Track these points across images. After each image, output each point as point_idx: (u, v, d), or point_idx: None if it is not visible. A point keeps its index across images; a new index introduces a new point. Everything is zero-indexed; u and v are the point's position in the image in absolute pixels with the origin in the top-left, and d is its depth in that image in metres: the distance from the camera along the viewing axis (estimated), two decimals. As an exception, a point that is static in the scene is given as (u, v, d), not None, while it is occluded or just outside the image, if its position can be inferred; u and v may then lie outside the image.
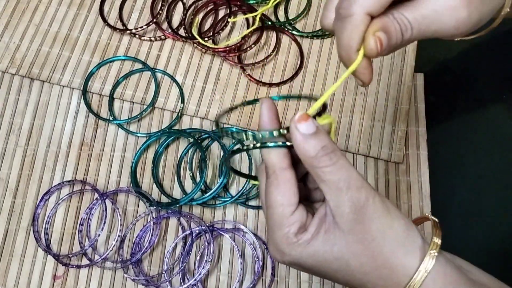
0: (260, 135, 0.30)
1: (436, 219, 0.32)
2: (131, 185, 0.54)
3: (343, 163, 0.29)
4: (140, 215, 0.54)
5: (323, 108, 0.31)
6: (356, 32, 0.29)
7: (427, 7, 0.30)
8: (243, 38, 0.60)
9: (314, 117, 0.30)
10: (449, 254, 0.31)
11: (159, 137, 0.56)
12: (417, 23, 0.30)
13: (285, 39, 0.62)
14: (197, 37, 0.58)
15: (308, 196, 0.35)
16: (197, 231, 0.53)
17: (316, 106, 0.30)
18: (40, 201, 0.53)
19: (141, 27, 0.60)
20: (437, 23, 0.30)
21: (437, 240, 0.30)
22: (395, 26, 0.30)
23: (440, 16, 0.30)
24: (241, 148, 0.32)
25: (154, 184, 0.55)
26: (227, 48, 0.59)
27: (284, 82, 0.59)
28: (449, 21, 0.30)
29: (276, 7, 0.64)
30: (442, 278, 0.29)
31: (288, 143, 0.30)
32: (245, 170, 0.56)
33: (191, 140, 0.55)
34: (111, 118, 0.57)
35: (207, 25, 0.62)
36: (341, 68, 0.60)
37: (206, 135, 0.57)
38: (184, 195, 0.54)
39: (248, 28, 0.61)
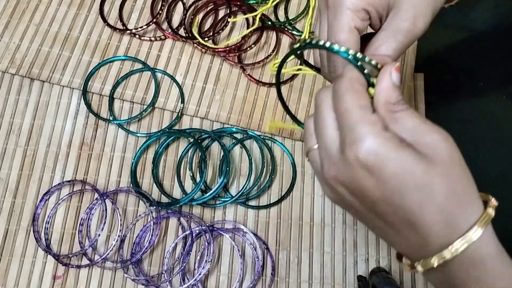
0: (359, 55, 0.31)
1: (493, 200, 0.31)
2: (131, 185, 0.54)
3: (412, 111, 0.29)
4: (140, 215, 0.54)
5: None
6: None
7: (389, 37, 0.33)
8: (243, 38, 0.60)
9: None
10: None
11: (159, 137, 0.56)
12: (391, 55, 0.33)
13: (285, 39, 0.62)
14: (198, 37, 0.58)
15: None
16: (197, 231, 0.53)
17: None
18: (40, 201, 0.53)
19: (141, 27, 0.60)
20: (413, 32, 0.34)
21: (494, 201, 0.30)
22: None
23: (404, 35, 0.33)
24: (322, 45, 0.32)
25: (154, 184, 0.55)
26: (227, 48, 0.59)
27: (284, 82, 0.59)
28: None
29: (276, 7, 0.64)
30: (494, 235, 0.29)
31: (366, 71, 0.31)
32: (245, 170, 0.56)
33: (191, 140, 0.55)
34: (111, 118, 0.57)
35: (207, 25, 0.62)
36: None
37: (206, 135, 0.57)
38: (184, 195, 0.54)
39: (248, 28, 0.61)
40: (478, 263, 0.27)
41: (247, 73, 0.59)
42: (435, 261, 0.27)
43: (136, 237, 0.53)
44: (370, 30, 0.36)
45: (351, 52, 0.31)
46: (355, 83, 0.30)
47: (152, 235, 0.52)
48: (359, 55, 0.31)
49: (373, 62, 0.31)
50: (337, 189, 0.30)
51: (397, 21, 0.33)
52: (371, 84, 0.30)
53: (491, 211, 0.29)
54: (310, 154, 0.33)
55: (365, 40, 0.34)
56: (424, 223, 0.27)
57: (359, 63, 0.30)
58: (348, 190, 0.29)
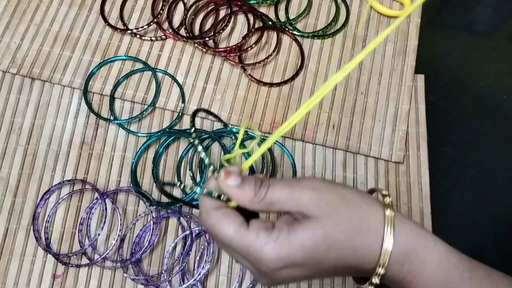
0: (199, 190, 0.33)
1: (385, 191, 0.35)
2: (131, 185, 0.55)
3: (272, 181, 0.32)
4: (140, 215, 0.54)
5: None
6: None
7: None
8: (243, 38, 0.60)
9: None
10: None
11: (160, 137, 0.56)
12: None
13: (285, 39, 0.62)
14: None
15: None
16: (197, 231, 0.52)
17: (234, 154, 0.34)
18: (40, 200, 0.53)
19: (142, 27, 0.60)
20: None
21: (385, 192, 0.33)
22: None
23: None
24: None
25: (154, 184, 0.55)
26: (228, 48, 0.59)
27: (285, 82, 0.59)
28: None
29: (276, 7, 0.64)
30: (407, 222, 0.32)
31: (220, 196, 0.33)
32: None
33: (192, 140, 0.55)
34: (111, 118, 0.57)
35: (208, 25, 0.62)
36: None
37: (206, 135, 0.57)
38: (184, 195, 0.54)
39: (249, 28, 0.62)
40: (404, 260, 0.32)
41: (248, 73, 0.59)
42: (376, 280, 0.32)
43: (136, 236, 0.53)
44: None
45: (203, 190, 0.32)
46: (219, 210, 0.32)
47: (152, 235, 0.52)
48: (205, 190, 0.32)
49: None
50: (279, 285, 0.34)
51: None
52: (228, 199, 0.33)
53: (389, 213, 0.32)
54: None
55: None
56: (350, 265, 0.32)
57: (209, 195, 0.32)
58: (288, 280, 0.33)
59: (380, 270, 0.31)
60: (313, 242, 0.30)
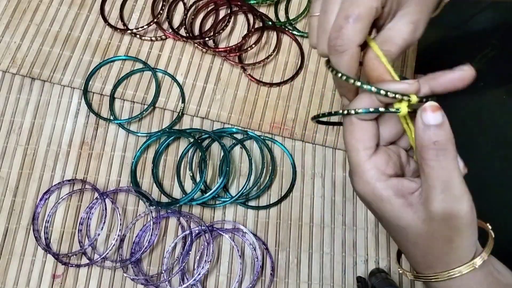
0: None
1: (492, 233, 0.35)
2: (131, 185, 0.55)
3: (447, 164, 0.30)
4: (140, 215, 0.54)
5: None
6: (354, 63, 0.32)
7: (399, 31, 0.34)
8: (243, 38, 0.60)
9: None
10: (492, 259, 0.34)
11: (160, 137, 0.56)
12: (399, 49, 0.34)
13: (285, 39, 0.62)
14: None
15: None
16: (196, 231, 0.53)
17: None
18: (40, 200, 0.53)
19: (142, 27, 0.60)
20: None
21: (486, 255, 0.33)
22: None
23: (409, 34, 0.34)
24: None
25: (154, 184, 0.55)
26: (228, 48, 0.59)
27: (285, 82, 0.59)
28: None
29: (276, 7, 0.64)
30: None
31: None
32: (245, 170, 0.56)
33: (191, 140, 0.55)
34: (111, 118, 0.57)
35: (208, 25, 0.62)
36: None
37: (206, 135, 0.57)
38: (184, 195, 0.54)
39: (249, 28, 0.62)
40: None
41: (247, 72, 0.59)
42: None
43: (136, 236, 0.53)
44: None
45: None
46: (364, 123, 0.32)
47: (151, 235, 0.52)
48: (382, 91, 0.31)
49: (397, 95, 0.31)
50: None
51: (404, 22, 0.33)
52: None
53: (491, 243, 0.33)
54: None
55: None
56: (412, 257, 0.33)
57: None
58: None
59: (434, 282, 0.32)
60: (415, 223, 0.32)
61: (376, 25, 0.35)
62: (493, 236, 0.33)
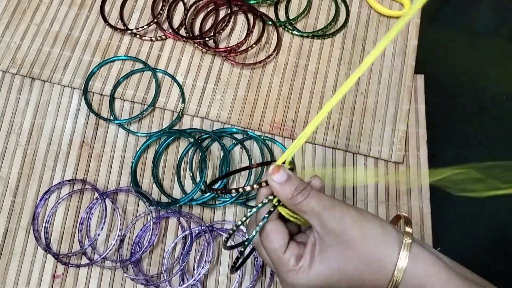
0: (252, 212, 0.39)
1: (406, 215, 0.39)
2: (131, 185, 0.55)
3: (313, 194, 0.36)
4: (140, 215, 0.54)
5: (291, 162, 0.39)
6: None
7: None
8: (244, 38, 0.60)
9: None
10: (424, 244, 0.37)
11: (160, 137, 0.56)
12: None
13: (285, 39, 0.62)
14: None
15: (299, 229, 0.42)
16: (196, 231, 0.52)
17: (282, 159, 0.38)
18: (40, 200, 0.53)
19: (142, 27, 0.60)
20: None
21: (409, 229, 0.36)
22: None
23: None
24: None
25: (154, 184, 0.55)
26: (228, 48, 0.59)
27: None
28: None
29: (276, 7, 0.64)
30: (422, 260, 0.34)
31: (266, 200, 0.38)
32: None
33: (191, 140, 0.55)
34: (111, 118, 0.57)
35: (208, 25, 0.63)
36: (341, 68, 0.60)
37: (206, 135, 0.57)
38: (184, 195, 0.54)
39: (249, 28, 0.62)
40: (414, 284, 0.34)
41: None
42: None
43: (136, 236, 0.53)
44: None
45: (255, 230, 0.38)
46: (268, 227, 0.37)
47: (151, 235, 0.52)
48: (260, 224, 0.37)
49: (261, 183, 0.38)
50: None
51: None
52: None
53: (408, 241, 0.34)
54: None
55: None
56: (366, 283, 0.35)
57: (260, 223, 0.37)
58: None
59: None
60: (328, 273, 0.35)
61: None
62: (408, 217, 0.38)
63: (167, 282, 0.51)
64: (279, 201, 0.37)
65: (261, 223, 0.37)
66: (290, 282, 0.36)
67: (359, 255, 0.35)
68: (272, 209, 0.37)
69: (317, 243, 0.36)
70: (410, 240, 0.35)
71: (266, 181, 0.38)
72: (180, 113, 0.58)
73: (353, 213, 0.36)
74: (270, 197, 0.38)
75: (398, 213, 0.41)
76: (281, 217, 0.39)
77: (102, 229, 0.52)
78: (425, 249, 0.35)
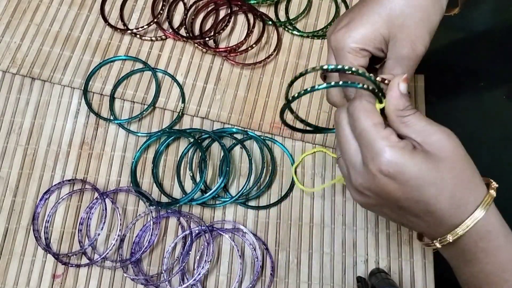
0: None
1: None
2: (131, 185, 0.55)
3: (420, 114, 0.35)
4: (140, 215, 0.54)
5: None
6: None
7: (394, 64, 0.38)
8: (244, 38, 0.60)
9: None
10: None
11: (160, 137, 0.56)
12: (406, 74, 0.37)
13: (285, 39, 0.62)
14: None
15: None
16: (196, 231, 0.53)
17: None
18: (40, 200, 0.53)
19: (142, 27, 0.60)
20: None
21: (493, 190, 0.35)
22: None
23: (406, 61, 0.38)
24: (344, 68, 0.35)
25: (154, 184, 0.55)
26: (228, 48, 0.59)
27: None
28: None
29: (276, 6, 0.64)
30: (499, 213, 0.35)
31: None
32: (245, 170, 0.56)
33: (192, 140, 0.55)
34: (111, 118, 0.57)
35: (208, 25, 0.63)
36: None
37: (206, 135, 0.57)
38: (184, 195, 0.54)
39: (249, 28, 0.62)
40: (484, 236, 0.33)
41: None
42: (450, 237, 0.34)
43: (136, 236, 0.53)
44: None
45: (365, 73, 0.34)
46: (367, 104, 0.35)
47: (151, 235, 0.52)
48: (372, 75, 0.34)
49: (384, 79, 0.36)
50: (365, 193, 0.35)
51: (397, 50, 0.37)
52: (380, 100, 0.35)
53: (493, 193, 0.34)
54: (338, 162, 0.39)
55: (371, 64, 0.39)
56: (439, 210, 0.33)
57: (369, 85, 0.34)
58: (374, 194, 0.34)
59: (460, 231, 0.33)
60: (426, 168, 0.32)
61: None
62: (496, 185, 0.36)
63: (167, 282, 0.51)
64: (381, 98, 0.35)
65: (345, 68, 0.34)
66: (384, 160, 0.32)
67: (459, 168, 0.34)
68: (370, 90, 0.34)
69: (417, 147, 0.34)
70: (495, 186, 0.35)
71: (383, 79, 0.36)
72: (180, 113, 0.58)
73: (454, 137, 0.35)
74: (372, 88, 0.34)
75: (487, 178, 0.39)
76: None
77: (102, 229, 0.52)
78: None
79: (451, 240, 0.34)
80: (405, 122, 0.34)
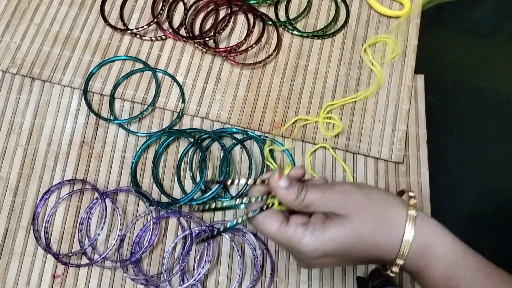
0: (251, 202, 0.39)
1: (410, 190, 0.41)
2: (131, 185, 0.55)
3: (311, 189, 0.38)
4: (140, 215, 0.54)
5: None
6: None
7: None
8: (244, 38, 0.60)
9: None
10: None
11: (160, 137, 0.56)
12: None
13: (286, 39, 0.62)
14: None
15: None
16: (196, 231, 0.52)
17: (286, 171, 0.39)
18: (40, 200, 0.53)
19: (142, 27, 0.60)
20: None
21: (413, 201, 0.37)
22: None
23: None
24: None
25: (154, 184, 0.55)
26: (228, 48, 0.59)
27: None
28: None
29: (276, 7, 0.64)
30: (428, 226, 0.36)
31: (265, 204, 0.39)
32: (245, 170, 0.56)
33: (191, 140, 0.55)
34: (111, 118, 0.57)
35: (208, 25, 0.63)
36: (341, 68, 0.60)
37: (206, 135, 0.57)
38: (184, 195, 0.54)
39: (249, 28, 0.62)
40: (422, 255, 0.35)
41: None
42: (395, 268, 0.36)
43: (136, 236, 0.53)
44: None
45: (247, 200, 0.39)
46: (266, 212, 0.38)
47: (151, 235, 0.52)
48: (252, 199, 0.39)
49: (264, 180, 0.40)
50: (312, 268, 0.42)
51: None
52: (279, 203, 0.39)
53: (412, 212, 0.36)
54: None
55: None
56: (374, 254, 0.36)
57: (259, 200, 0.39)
58: (320, 266, 0.39)
59: (399, 261, 0.36)
60: (343, 235, 0.36)
61: None
62: (415, 204, 0.37)
63: (167, 282, 0.51)
64: (279, 202, 0.39)
65: (251, 214, 0.38)
66: (306, 250, 0.36)
67: (370, 215, 0.36)
68: (265, 207, 0.38)
69: (327, 215, 0.37)
70: (414, 202, 0.37)
71: (263, 181, 0.40)
72: (180, 113, 0.58)
73: (349, 185, 0.38)
74: (270, 202, 0.39)
75: (402, 188, 0.43)
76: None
77: (102, 229, 0.52)
78: (431, 218, 0.37)
79: (397, 271, 0.36)
80: (305, 205, 0.37)
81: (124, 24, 0.62)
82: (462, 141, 0.58)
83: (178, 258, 0.52)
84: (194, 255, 0.52)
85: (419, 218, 0.36)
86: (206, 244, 0.52)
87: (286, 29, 0.62)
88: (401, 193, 0.42)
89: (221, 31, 0.61)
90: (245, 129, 0.57)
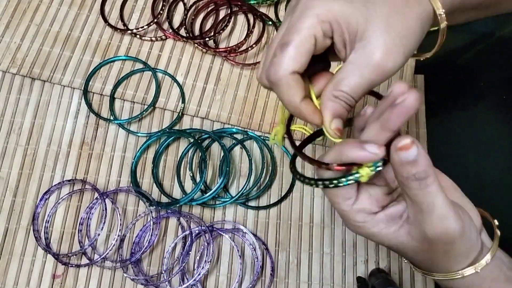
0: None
1: (496, 222, 0.38)
2: (131, 185, 0.55)
3: (429, 190, 0.30)
4: (140, 215, 0.54)
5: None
6: (294, 94, 0.32)
7: (354, 71, 0.32)
8: (244, 38, 0.60)
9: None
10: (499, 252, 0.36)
11: (160, 137, 0.56)
12: (355, 91, 0.32)
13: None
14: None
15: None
16: (196, 231, 0.53)
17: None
18: (40, 200, 0.53)
19: (142, 27, 0.60)
20: (372, 76, 0.31)
21: (490, 256, 0.35)
22: (342, 106, 0.33)
23: (371, 71, 0.31)
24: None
25: (154, 184, 0.55)
26: (228, 48, 0.59)
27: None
28: (381, 70, 0.31)
29: (276, 7, 0.64)
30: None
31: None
32: (245, 170, 0.56)
33: (191, 140, 0.55)
34: (111, 118, 0.57)
35: (208, 25, 0.63)
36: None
37: (206, 135, 0.57)
38: (184, 195, 0.54)
39: (249, 28, 0.62)
40: (489, 276, 0.34)
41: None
42: (472, 269, 0.34)
43: (136, 236, 0.53)
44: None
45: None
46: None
47: (151, 235, 0.52)
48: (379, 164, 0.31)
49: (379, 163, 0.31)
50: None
51: (365, 55, 0.31)
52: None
53: (496, 243, 0.35)
54: None
55: (314, 62, 0.33)
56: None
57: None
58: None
59: (483, 263, 0.34)
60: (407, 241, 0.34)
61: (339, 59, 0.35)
62: (499, 234, 0.36)
63: (167, 282, 0.51)
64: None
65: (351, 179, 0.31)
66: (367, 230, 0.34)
67: (436, 257, 0.34)
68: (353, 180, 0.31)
69: (408, 214, 0.33)
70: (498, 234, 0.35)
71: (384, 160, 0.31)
72: (180, 113, 0.58)
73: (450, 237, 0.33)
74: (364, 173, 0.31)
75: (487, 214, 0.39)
76: None
77: (102, 229, 0.52)
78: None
79: (470, 273, 0.34)
80: (407, 192, 0.31)
81: (124, 24, 0.62)
82: (462, 141, 0.58)
83: (178, 258, 0.52)
84: (194, 255, 0.52)
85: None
86: (206, 244, 0.52)
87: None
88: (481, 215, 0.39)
89: (221, 31, 0.61)
90: (245, 129, 0.57)
